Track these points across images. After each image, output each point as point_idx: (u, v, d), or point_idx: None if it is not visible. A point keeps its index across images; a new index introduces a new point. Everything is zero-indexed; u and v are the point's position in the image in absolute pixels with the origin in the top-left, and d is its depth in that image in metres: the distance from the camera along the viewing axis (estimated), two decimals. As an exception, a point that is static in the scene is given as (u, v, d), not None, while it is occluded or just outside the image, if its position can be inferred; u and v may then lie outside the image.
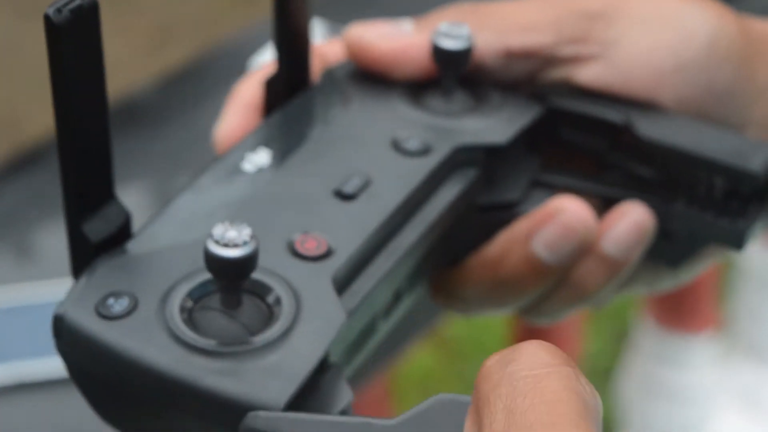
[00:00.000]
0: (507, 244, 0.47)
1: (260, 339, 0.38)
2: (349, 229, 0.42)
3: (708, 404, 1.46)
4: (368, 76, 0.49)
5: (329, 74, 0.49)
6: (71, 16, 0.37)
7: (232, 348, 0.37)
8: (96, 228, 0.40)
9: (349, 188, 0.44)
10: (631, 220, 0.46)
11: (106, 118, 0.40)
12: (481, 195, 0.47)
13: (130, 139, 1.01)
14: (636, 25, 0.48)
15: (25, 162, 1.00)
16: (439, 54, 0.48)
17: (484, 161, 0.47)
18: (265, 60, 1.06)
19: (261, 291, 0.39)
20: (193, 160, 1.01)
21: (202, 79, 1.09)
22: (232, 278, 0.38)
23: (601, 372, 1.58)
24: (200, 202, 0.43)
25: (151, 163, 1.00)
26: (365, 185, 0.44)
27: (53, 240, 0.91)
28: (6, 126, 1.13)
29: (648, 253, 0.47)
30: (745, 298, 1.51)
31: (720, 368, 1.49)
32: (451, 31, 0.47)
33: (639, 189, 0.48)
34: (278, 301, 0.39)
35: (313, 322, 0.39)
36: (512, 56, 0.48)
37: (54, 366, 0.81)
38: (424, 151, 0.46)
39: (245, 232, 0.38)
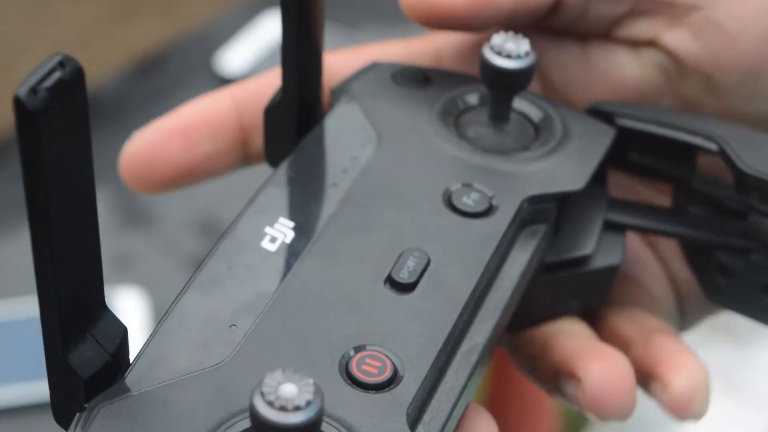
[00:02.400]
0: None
1: None
2: (415, 337, 0.33)
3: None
4: (391, 89, 0.40)
5: (346, 95, 0.40)
6: (50, 97, 0.26)
7: None
8: (86, 357, 0.30)
9: (405, 274, 0.34)
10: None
11: (95, 217, 0.30)
12: (549, 251, 0.39)
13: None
14: None
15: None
16: (492, 74, 0.39)
17: (554, 212, 0.38)
18: (233, 58, 1.04)
19: None
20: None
21: (166, 73, 1.05)
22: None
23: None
24: (213, 305, 0.33)
25: (113, 166, 0.96)
26: (424, 267, 0.35)
27: (9, 253, 0.88)
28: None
29: (713, 295, 0.42)
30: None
31: (700, 350, 1.47)
32: (508, 45, 0.38)
33: (721, 231, 0.40)
34: None
35: None
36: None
37: (12, 393, 0.78)
38: (487, 209, 0.37)
39: (306, 387, 0.28)
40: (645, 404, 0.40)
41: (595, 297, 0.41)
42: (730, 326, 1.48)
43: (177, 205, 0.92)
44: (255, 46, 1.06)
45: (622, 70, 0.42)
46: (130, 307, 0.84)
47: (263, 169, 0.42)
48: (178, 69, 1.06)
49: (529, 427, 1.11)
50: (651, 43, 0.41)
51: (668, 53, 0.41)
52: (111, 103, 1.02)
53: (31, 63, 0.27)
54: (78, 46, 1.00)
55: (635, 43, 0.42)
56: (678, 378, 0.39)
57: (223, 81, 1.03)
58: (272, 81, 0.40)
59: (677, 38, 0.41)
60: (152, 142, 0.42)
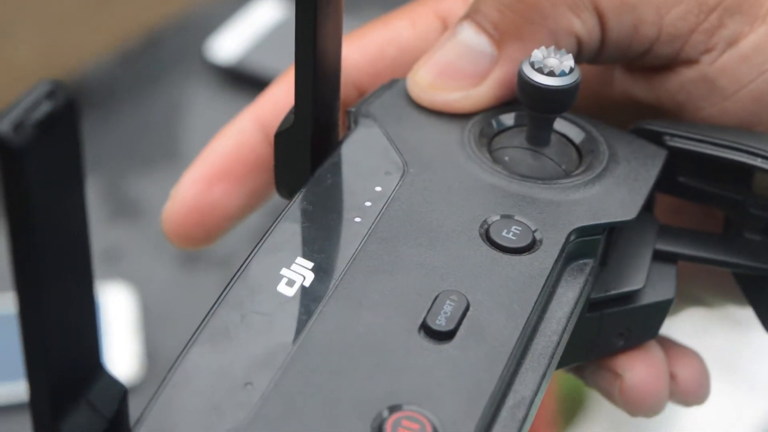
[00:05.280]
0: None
1: None
2: (456, 394, 0.29)
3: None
4: (416, 109, 0.37)
5: (365, 117, 0.37)
6: (38, 134, 0.23)
7: None
8: (80, 425, 0.27)
9: (442, 320, 0.30)
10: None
11: (90, 267, 0.26)
12: (596, 287, 0.36)
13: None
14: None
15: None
16: (533, 93, 0.35)
17: (603, 244, 0.35)
18: (225, 44, 1.01)
19: None
20: (146, 152, 0.94)
21: (155, 59, 1.02)
22: None
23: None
24: (225, 360, 0.29)
25: (100, 156, 0.93)
26: (463, 311, 0.31)
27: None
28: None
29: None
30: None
31: (699, 336, 1.48)
32: (550, 61, 0.35)
33: None
34: None
35: None
36: (642, 36, 0.37)
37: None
38: (531, 244, 0.33)
39: None
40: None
41: (642, 335, 0.38)
42: (729, 312, 1.47)
43: (166, 198, 0.89)
44: (248, 32, 1.04)
45: (599, 91, 0.40)
46: (116, 305, 0.81)
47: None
48: (168, 55, 1.03)
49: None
50: (642, 71, 0.39)
51: (651, 90, 0.39)
52: (98, 90, 0.99)
53: (16, 49, 0.23)
54: (64, 31, 0.97)
55: (628, 66, 0.40)
56: (683, 369, 0.39)
57: (215, 68, 1.01)
58: (290, 91, 0.37)
59: (667, 80, 0.39)
60: (194, 197, 0.40)
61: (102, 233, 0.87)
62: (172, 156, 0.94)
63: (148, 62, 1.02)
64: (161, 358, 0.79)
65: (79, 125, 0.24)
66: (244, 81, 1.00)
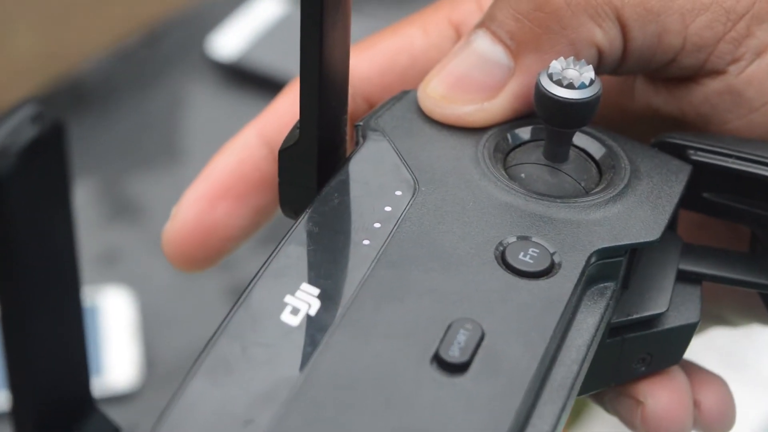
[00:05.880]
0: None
1: None
2: (471, 430, 0.27)
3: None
4: (427, 124, 0.35)
5: (374, 131, 0.35)
6: (22, 162, 0.21)
7: None
8: None
9: (456, 351, 0.29)
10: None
11: (79, 300, 0.25)
12: (617, 311, 0.34)
13: (72, 126, 0.92)
14: None
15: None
16: (551, 107, 0.33)
17: (625, 266, 0.33)
18: (226, 41, 1.00)
19: None
20: (147, 150, 0.93)
21: (155, 55, 1.01)
22: None
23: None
24: (225, 395, 0.28)
25: (98, 155, 0.92)
26: (478, 341, 0.29)
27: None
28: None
29: None
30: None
31: (704, 330, 1.47)
32: (569, 72, 0.33)
33: None
34: None
35: None
36: (666, 46, 0.35)
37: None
38: (549, 268, 0.31)
39: None
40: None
41: (666, 361, 0.36)
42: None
43: (167, 198, 0.87)
44: (250, 28, 1.02)
45: (621, 102, 0.39)
46: (115, 309, 0.80)
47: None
48: (169, 51, 1.01)
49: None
50: (664, 82, 0.37)
51: (673, 101, 0.37)
52: (97, 87, 0.97)
53: (16, 45, 0.21)
54: (64, 26, 0.96)
55: (650, 76, 0.38)
56: (707, 396, 0.37)
57: (216, 65, 0.99)
58: (295, 104, 0.35)
59: (691, 92, 0.37)
60: (196, 216, 0.38)
61: (100, 235, 0.85)
62: (172, 154, 0.93)
63: (148, 58, 1.01)
64: (160, 362, 0.77)
65: (66, 149, 0.22)
66: (246, 78, 0.98)
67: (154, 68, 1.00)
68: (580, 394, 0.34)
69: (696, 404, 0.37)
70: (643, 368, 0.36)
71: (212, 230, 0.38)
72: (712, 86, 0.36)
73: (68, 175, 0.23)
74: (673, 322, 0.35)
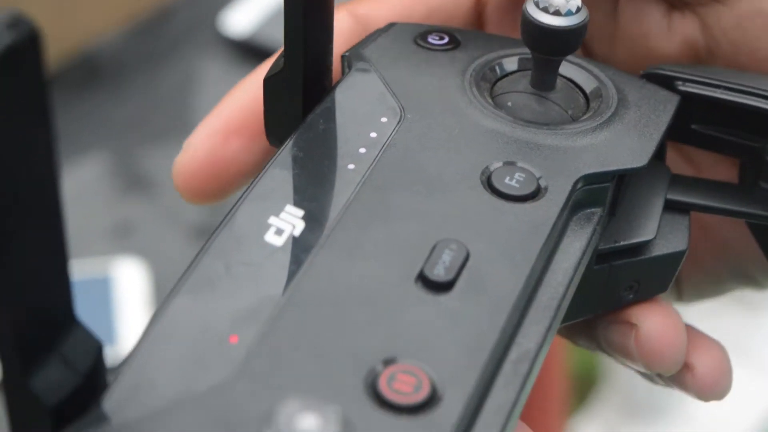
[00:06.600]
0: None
1: None
2: (455, 347, 0.27)
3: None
4: (415, 54, 0.35)
5: (360, 61, 0.35)
6: None
7: None
8: (52, 381, 0.25)
9: (441, 270, 0.29)
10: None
11: (59, 212, 0.24)
12: (603, 237, 0.34)
13: (85, 101, 0.93)
14: None
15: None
16: (537, 34, 0.33)
17: (612, 193, 0.33)
18: (238, 17, 1.00)
19: None
20: (159, 125, 0.93)
21: (167, 32, 1.01)
22: None
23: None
24: (209, 312, 0.27)
25: (109, 130, 0.92)
26: (463, 261, 0.29)
27: None
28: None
29: None
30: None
31: (710, 318, 1.48)
32: (555, 0, 0.33)
33: None
34: None
35: None
36: None
37: None
38: (535, 192, 0.31)
39: (330, 416, 0.24)
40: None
41: (654, 289, 0.36)
42: (740, 293, 1.46)
43: (179, 172, 0.88)
44: (262, 4, 1.02)
45: (651, 41, 0.38)
46: (129, 280, 0.80)
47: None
48: (180, 28, 1.02)
49: (540, 390, 1.09)
50: (691, 7, 0.37)
51: (705, 28, 0.37)
52: (109, 64, 0.98)
53: None
54: (76, 3, 0.96)
55: (674, 4, 0.37)
56: (702, 361, 0.37)
57: (229, 42, 0.99)
58: None
59: (721, 16, 0.36)
60: (209, 150, 0.38)
61: (113, 208, 0.86)
62: (184, 130, 0.93)
63: (160, 35, 1.01)
64: (173, 333, 0.78)
65: (43, 60, 0.21)
66: (258, 54, 0.99)
67: (167, 44, 1.00)
68: (568, 320, 0.35)
69: (689, 367, 0.37)
70: (631, 296, 0.36)
71: (224, 165, 0.38)
72: (742, 7, 0.36)
73: (46, 86, 0.22)
74: (660, 249, 0.35)
